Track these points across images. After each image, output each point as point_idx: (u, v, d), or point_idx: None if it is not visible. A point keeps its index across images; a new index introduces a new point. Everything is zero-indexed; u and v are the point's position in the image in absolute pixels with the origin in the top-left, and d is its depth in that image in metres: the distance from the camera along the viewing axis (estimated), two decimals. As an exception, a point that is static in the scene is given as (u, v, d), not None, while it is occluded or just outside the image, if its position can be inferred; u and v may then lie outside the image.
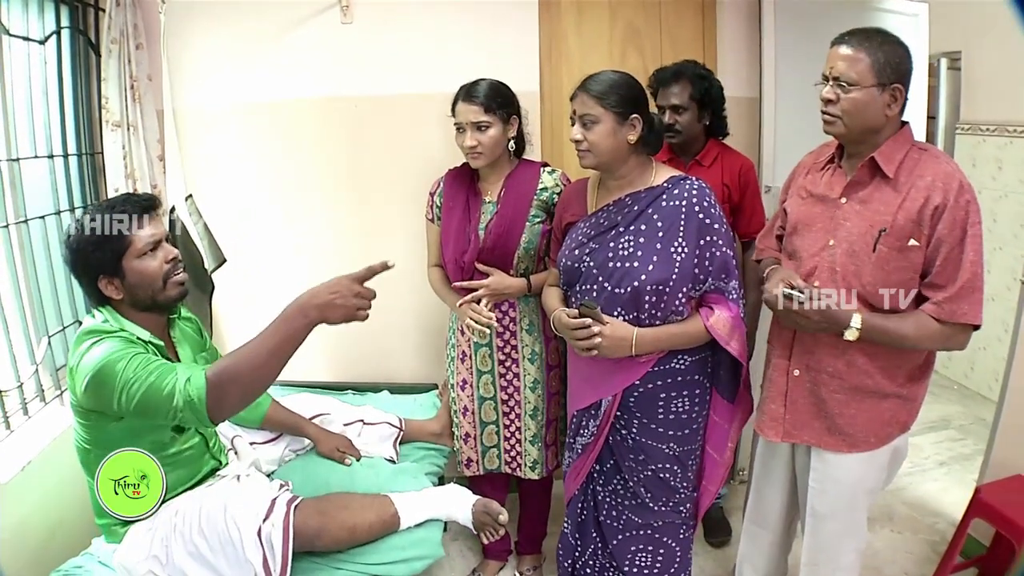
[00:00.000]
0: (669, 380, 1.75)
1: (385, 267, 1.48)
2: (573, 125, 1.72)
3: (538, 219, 2.06)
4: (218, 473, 1.81)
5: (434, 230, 2.20)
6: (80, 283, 1.64)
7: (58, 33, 2.21)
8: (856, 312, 1.53)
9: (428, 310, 2.58)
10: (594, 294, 1.74)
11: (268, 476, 1.97)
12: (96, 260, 1.56)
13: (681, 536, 1.89)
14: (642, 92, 1.74)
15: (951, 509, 2.66)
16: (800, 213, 1.69)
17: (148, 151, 2.37)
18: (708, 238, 1.67)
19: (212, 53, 2.53)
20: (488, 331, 2.06)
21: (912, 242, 1.51)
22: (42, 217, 2.15)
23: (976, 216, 1.49)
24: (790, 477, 1.86)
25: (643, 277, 1.66)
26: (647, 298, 1.67)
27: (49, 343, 2.12)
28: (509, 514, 1.90)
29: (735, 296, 1.72)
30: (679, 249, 1.67)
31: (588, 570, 1.94)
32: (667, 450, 1.79)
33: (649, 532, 1.86)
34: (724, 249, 1.69)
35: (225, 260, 2.42)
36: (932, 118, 3.67)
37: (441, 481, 2.28)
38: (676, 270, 1.66)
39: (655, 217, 1.69)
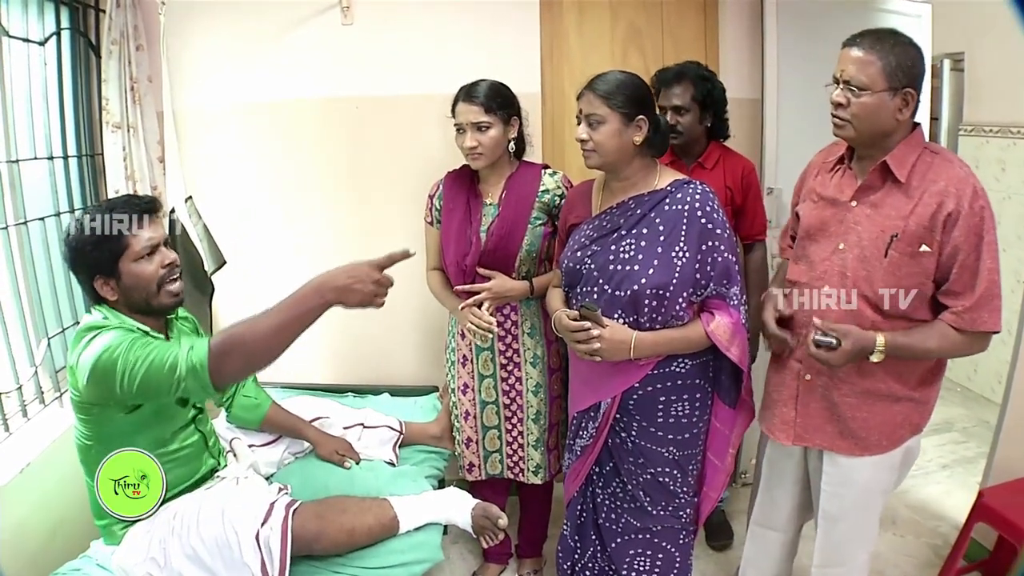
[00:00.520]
0: (669, 383, 1.74)
1: (406, 255, 1.46)
2: (579, 124, 1.71)
3: (540, 221, 2.05)
4: (217, 475, 1.81)
5: (433, 233, 2.18)
6: (78, 281, 1.65)
7: (58, 34, 2.21)
8: (878, 334, 1.52)
9: (429, 312, 2.58)
10: (595, 296, 1.73)
11: (267, 479, 1.96)
12: (93, 260, 1.57)
13: (681, 541, 1.88)
14: (648, 93, 1.73)
15: (954, 512, 2.65)
16: (812, 218, 1.68)
17: (148, 152, 2.37)
18: (710, 243, 1.66)
19: (212, 54, 2.52)
20: (490, 335, 2.05)
21: (924, 248, 1.50)
22: (42, 219, 2.14)
23: (991, 222, 1.48)
24: (802, 479, 1.85)
25: (643, 281, 1.65)
26: (647, 302, 1.67)
27: (48, 345, 2.12)
28: (509, 517, 1.90)
29: (736, 302, 1.71)
30: (680, 254, 1.66)
31: (588, 572, 1.93)
32: (666, 454, 1.78)
33: (648, 536, 1.85)
34: (726, 254, 1.68)
35: (225, 262, 2.41)
36: (935, 119, 3.66)
37: (441, 484, 2.27)
38: (677, 274, 1.65)
39: (657, 221, 1.68)
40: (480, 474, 2.25)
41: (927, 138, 1.58)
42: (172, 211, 2.30)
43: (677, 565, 1.89)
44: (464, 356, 2.17)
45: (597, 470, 1.87)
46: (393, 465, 2.15)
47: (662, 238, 1.67)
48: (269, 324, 1.35)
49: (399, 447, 2.21)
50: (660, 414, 1.76)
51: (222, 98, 2.57)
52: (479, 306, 2.03)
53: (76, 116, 2.34)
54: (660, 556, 1.87)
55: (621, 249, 1.70)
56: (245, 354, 1.36)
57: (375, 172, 2.63)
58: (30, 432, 1.99)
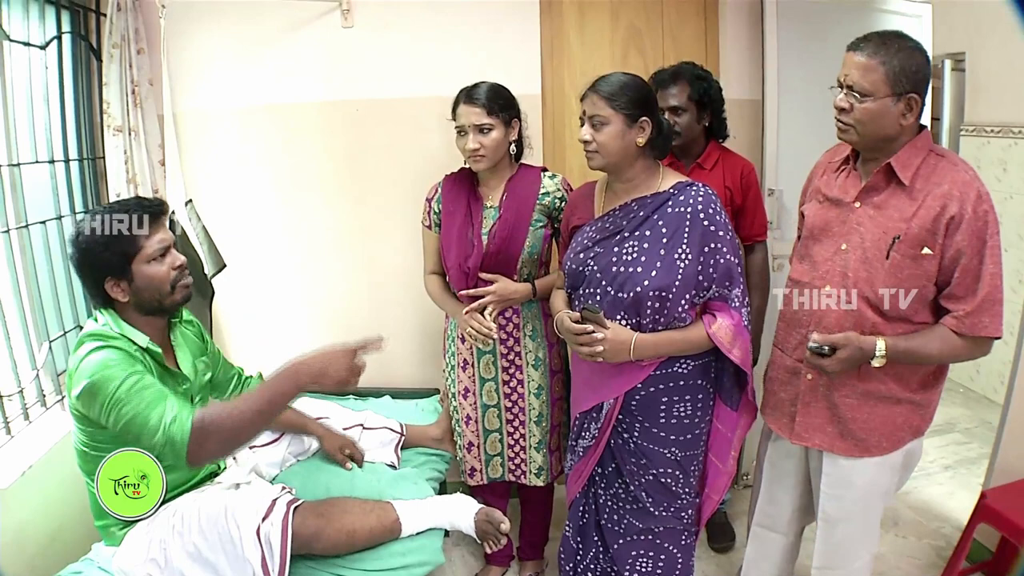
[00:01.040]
0: (671, 384, 1.74)
1: (379, 344, 1.54)
2: (582, 125, 1.71)
3: (540, 224, 2.05)
4: (216, 479, 1.81)
5: (431, 237, 2.18)
6: (85, 284, 1.64)
7: (59, 38, 2.21)
8: (878, 339, 1.52)
9: (430, 314, 2.57)
10: (597, 298, 1.73)
11: (270, 481, 1.96)
12: (105, 261, 1.57)
13: (683, 542, 1.88)
14: (652, 95, 1.73)
15: (956, 513, 2.64)
16: (816, 218, 1.68)
17: (149, 156, 2.37)
18: (712, 245, 1.66)
19: (213, 57, 2.53)
20: (491, 340, 2.05)
21: (926, 250, 1.50)
22: (43, 222, 2.15)
23: (995, 227, 1.48)
24: (803, 481, 1.85)
25: (646, 283, 1.65)
26: (649, 304, 1.67)
27: (50, 348, 2.12)
28: (510, 520, 1.89)
29: (738, 303, 1.71)
30: (683, 256, 1.66)
31: (590, 573, 1.93)
32: (668, 454, 1.78)
33: (650, 537, 1.85)
34: (728, 256, 1.68)
35: (225, 265, 2.41)
36: (936, 119, 3.65)
37: (442, 487, 2.27)
38: (679, 276, 1.65)
39: (660, 223, 1.68)
40: (482, 478, 2.25)
41: (933, 140, 1.58)
42: (172, 214, 2.30)
43: (679, 566, 1.89)
44: (465, 360, 2.17)
45: (599, 471, 1.87)
46: (394, 467, 2.14)
47: (665, 240, 1.67)
48: (247, 410, 1.44)
49: (400, 449, 2.21)
50: (662, 415, 1.76)
51: (223, 101, 2.57)
52: (481, 311, 2.03)
53: (77, 119, 2.35)
54: (662, 557, 1.87)
55: (624, 251, 1.70)
56: (223, 440, 1.44)
57: (375, 175, 2.63)
58: (31, 435, 1.99)
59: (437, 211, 2.14)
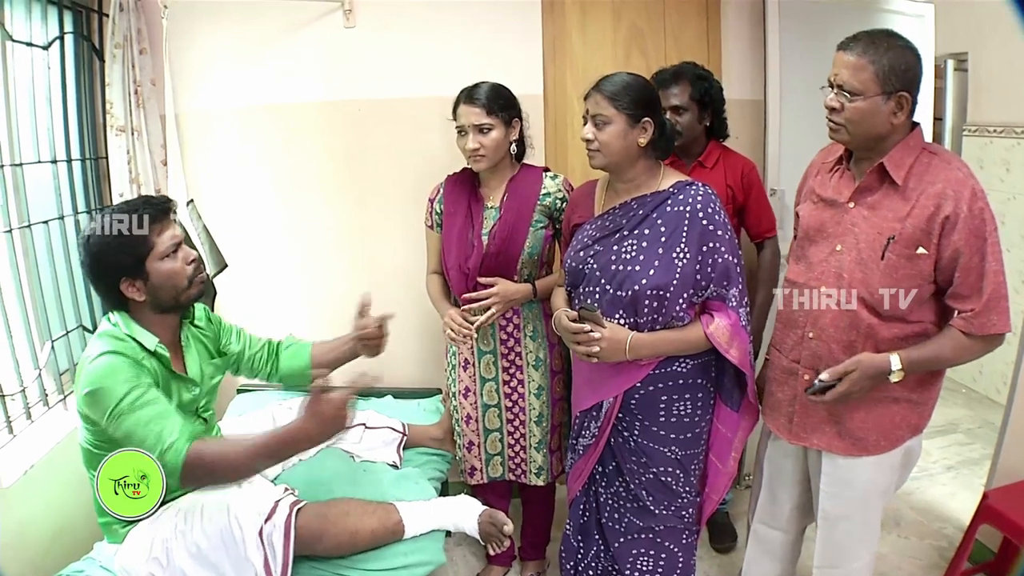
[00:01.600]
0: (670, 383, 1.74)
1: (374, 380, 1.60)
2: (585, 124, 1.72)
3: (541, 224, 2.05)
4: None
5: (434, 237, 2.19)
6: (98, 285, 1.64)
7: (62, 38, 2.22)
8: (891, 355, 1.52)
9: (431, 314, 2.56)
10: (596, 296, 1.73)
11: (272, 481, 1.96)
12: (119, 262, 1.57)
13: (684, 541, 1.88)
14: (655, 96, 1.74)
15: (959, 514, 2.64)
16: (811, 219, 1.68)
17: (152, 156, 2.38)
18: (711, 244, 1.66)
19: (215, 57, 2.53)
20: (471, 339, 2.05)
21: (920, 250, 1.50)
22: (46, 222, 2.15)
23: (992, 223, 1.47)
24: (803, 480, 1.85)
25: (644, 281, 1.66)
26: (646, 302, 1.67)
27: (52, 347, 2.12)
28: (512, 520, 1.89)
29: (735, 303, 1.71)
30: (681, 255, 1.66)
31: (591, 572, 1.93)
32: (668, 453, 1.78)
33: (651, 536, 1.85)
34: (727, 256, 1.68)
35: (226, 265, 2.42)
36: (939, 119, 3.65)
37: (444, 486, 2.27)
38: (677, 275, 1.65)
39: (659, 222, 1.69)
40: (482, 478, 2.25)
41: (931, 139, 1.58)
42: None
43: (680, 565, 1.89)
44: (465, 360, 2.17)
45: (600, 469, 1.87)
46: (396, 467, 2.15)
47: (663, 239, 1.67)
48: (243, 459, 1.52)
49: (403, 449, 2.21)
50: (662, 413, 1.76)
51: (225, 101, 2.57)
52: (480, 313, 2.03)
53: (80, 120, 2.35)
54: (663, 556, 1.87)
55: (623, 250, 1.71)
56: (214, 478, 1.57)
57: (377, 175, 2.63)
58: (34, 434, 2.00)
59: (439, 211, 2.14)
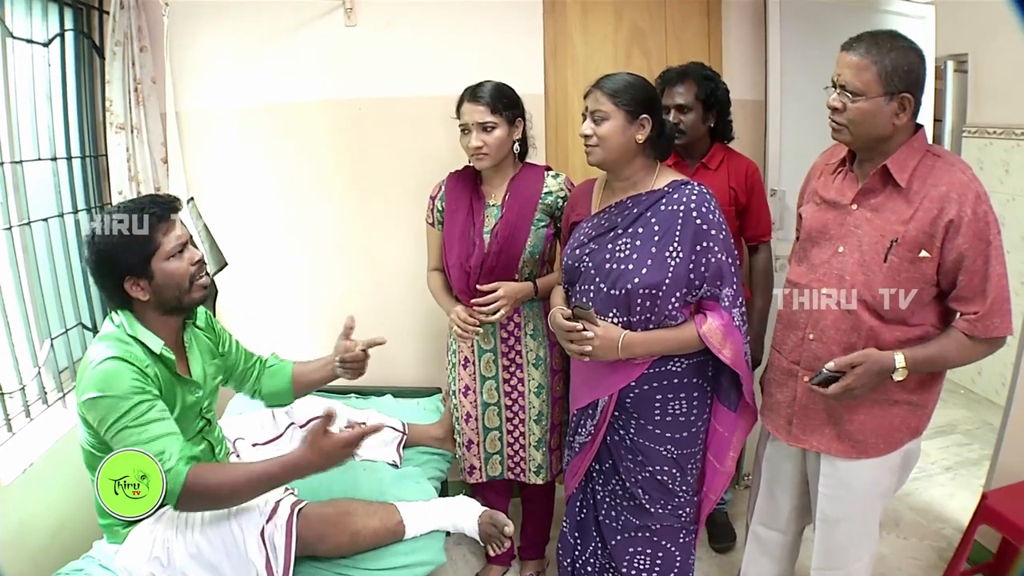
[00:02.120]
0: (665, 382, 1.75)
1: (375, 429, 1.63)
2: (584, 121, 1.72)
3: (542, 223, 2.05)
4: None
5: (435, 234, 2.19)
6: (102, 284, 1.63)
7: (62, 36, 2.21)
8: (896, 353, 1.52)
9: (432, 313, 2.58)
10: (591, 294, 1.74)
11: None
12: (124, 261, 1.56)
13: (681, 541, 1.88)
14: (655, 96, 1.75)
15: (958, 515, 2.64)
16: (814, 220, 1.68)
17: (152, 154, 2.37)
18: (704, 244, 1.66)
19: (216, 55, 2.52)
20: (478, 334, 2.05)
21: (923, 253, 1.50)
22: (45, 219, 2.15)
23: (996, 226, 1.47)
24: (802, 481, 1.85)
25: (636, 280, 1.66)
26: (639, 301, 1.67)
27: (52, 345, 2.12)
28: (512, 519, 1.89)
29: (728, 303, 1.70)
30: (674, 254, 1.66)
31: (588, 568, 1.94)
32: (664, 452, 1.78)
33: (647, 535, 1.86)
34: (720, 256, 1.68)
35: (226, 264, 2.41)
36: (939, 121, 3.65)
37: (444, 486, 2.26)
38: (670, 274, 1.66)
39: (653, 221, 1.69)
40: (481, 476, 2.25)
41: (931, 141, 1.58)
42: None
43: (678, 564, 1.89)
44: (466, 358, 2.17)
45: (597, 467, 1.88)
46: (396, 466, 2.14)
47: (656, 238, 1.68)
48: (243, 485, 1.53)
49: (403, 448, 2.21)
50: (657, 412, 1.76)
51: (225, 99, 2.57)
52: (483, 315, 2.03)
53: (80, 117, 2.35)
54: (660, 555, 1.87)
55: (617, 248, 1.71)
56: (211, 503, 1.57)
57: (378, 173, 2.63)
58: (33, 432, 1.99)
59: (440, 209, 2.14)
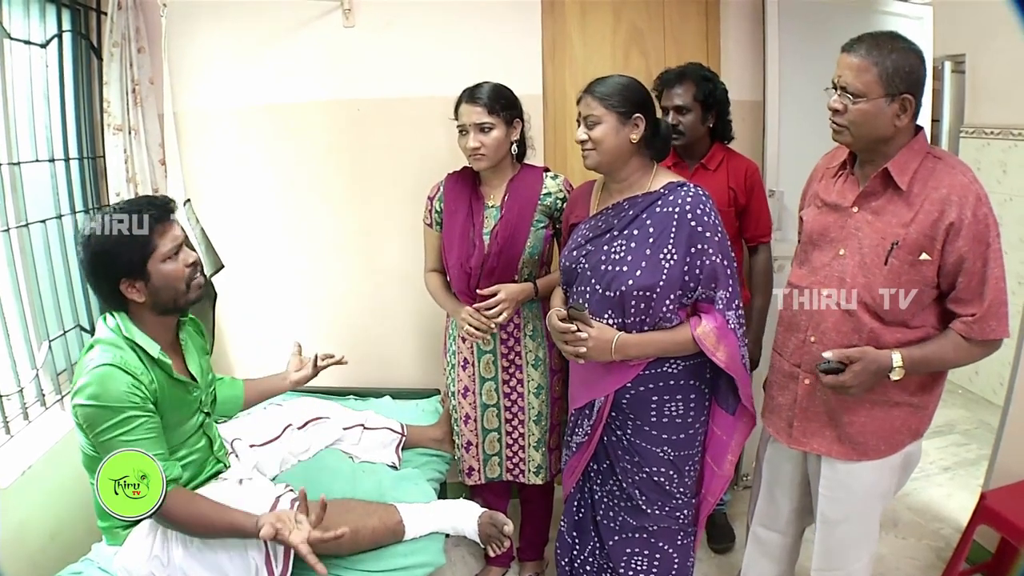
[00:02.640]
0: (661, 384, 1.75)
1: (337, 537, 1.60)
2: (579, 128, 1.72)
3: (541, 224, 2.05)
4: (220, 476, 1.81)
5: (433, 235, 2.18)
6: (97, 286, 1.62)
7: (60, 36, 2.21)
8: (893, 352, 1.52)
9: (431, 315, 2.57)
10: (587, 296, 1.74)
11: (271, 481, 1.96)
12: (120, 263, 1.56)
13: (679, 543, 1.88)
14: (647, 96, 1.74)
15: (956, 515, 2.65)
16: (815, 223, 1.68)
17: (150, 155, 2.37)
18: (699, 246, 1.66)
19: (214, 56, 2.52)
20: (490, 336, 2.05)
21: (924, 256, 1.50)
22: (43, 221, 2.14)
23: (995, 228, 1.48)
24: (802, 483, 1.85)
25: (630, 282, 1.66)
26: (633, 303, 1.67)
27: (50, 347, 2.11)
28: (511, 520, 1.89)
29: (722, 305, 1.70)
30: (668, 256, 1.66)
31: (587, 568, 1.94)
32: (661, 453, 1.78)
33: (645, 536, 1.86)
34: (715, 258, 1.67)
35: (223, 266, 2.40)
36: (936, 121, 3.66)
37: (443, 487, 2.26)
38: (664, 276, 1.66)
39: (648, 223, 1.69)
40: (480, 478, 2.25)
41: (928, 141, 1.58)
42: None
43: (676, 566, 1.89)
44: (465, 359, 2.17)
45: (595, 467, 1.88)
46: (395, 468, 2.14)
47: (651, 240, 1.68)
48: (208, 525, 1.56)
49: (401, 450, 2.21)
50: (653, 414, 1.76)
51: (223, 100, 2.56)
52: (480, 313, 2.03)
53: (77, 118, 2.34)
54: (657, 556, 1.87)
55: (612, 250, 1.71)
56: (179, 528, 1.59)
57: (377, 174, 2.62)
58: (31, 435, 1.99)
59: (439, 210, 2.14)
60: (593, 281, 1.73)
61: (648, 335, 1.70)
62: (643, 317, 1.69)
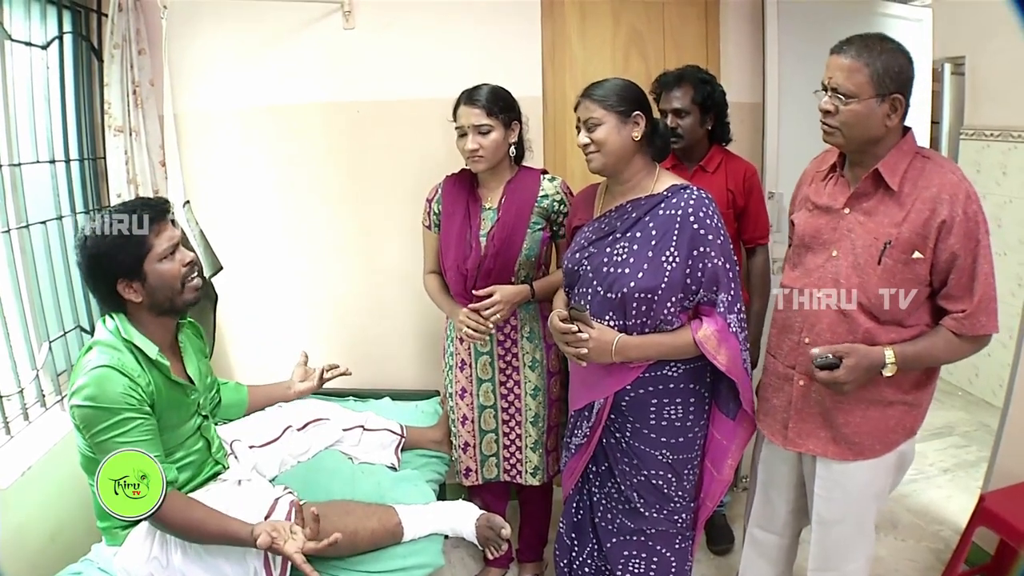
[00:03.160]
0: (660, 387, 1.75)
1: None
2: (579, 133, 1.73)
3: (538, 226, 2.06)
4: (219, 477, 1.81)
5: (431, 237, 2.19)
6: (95, 287, 1.63)
7: (60, 38, 2.21)
8: (886, 349, 1.53)
9: (430, 316, 2.58)
10: (588, 297, 1.75)
11: (270, 481, 1.96)
12: (117, 263, 1.57)
13: (677, 546, 1.88)
14: (643, 95, 1.75)
15: (955, 516, 2.65)
16: (807, 226, 1.69)
17: (150, 156, 2.37)
18: (701, 249, 1.66)
19: (214, 58, 2.53)
20: (488, 337, 2.05)
21: (916, 255, 1.51)
22: (44, 222, 2.15)
23: (985, 225, 1.48)
24: (798, 484, 1.85)
25: (632, 284, 1.66)
26: (634, 305, 1.67)
27: (50, 348, 2.12)
28: (509, 522, 1.90)
29: (723, 309, 1.70)
30: (670, 258, 1.66)
31: (586, 569, 1.94)
32: (660, 457, 1.78)
33: (642, 539, 1.86)
34: (716, 261, 1.67)
35: (221, 267, 2.40)
36: (936, 123, 3.66)
37: (442, 489, 2.26)
38: (665, 279, 1.66)
39: (651, 225, 1.69)
40: (477, 479, 2.25)
41: (929, 143, 1.58)
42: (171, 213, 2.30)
43: (673, 570, 1.89)
44: (462, 360, 2.17)
45: (594, 469, 1.88)
46: (395, 469, 2.15)
47: (653, 242, 1.68)
48: (204, 532, 1.57)
49: (401, 451, 2.21)
50: (652, 417, 1.76)
51: (224, 102, 2.57)
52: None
53: (78, 120, 2.34)
54: (655, 560, 1.87)
55: (615, 252, 1.71)
56: (174, 533, 1.59)
57: (376, 176, 2.63)
58: (31, 435, 1.99)
59: (437, 212, 2.15)
60: (595, 283, 1.73)
61: (649, 337, 1.70)
62: (644, 319, 1.69)
